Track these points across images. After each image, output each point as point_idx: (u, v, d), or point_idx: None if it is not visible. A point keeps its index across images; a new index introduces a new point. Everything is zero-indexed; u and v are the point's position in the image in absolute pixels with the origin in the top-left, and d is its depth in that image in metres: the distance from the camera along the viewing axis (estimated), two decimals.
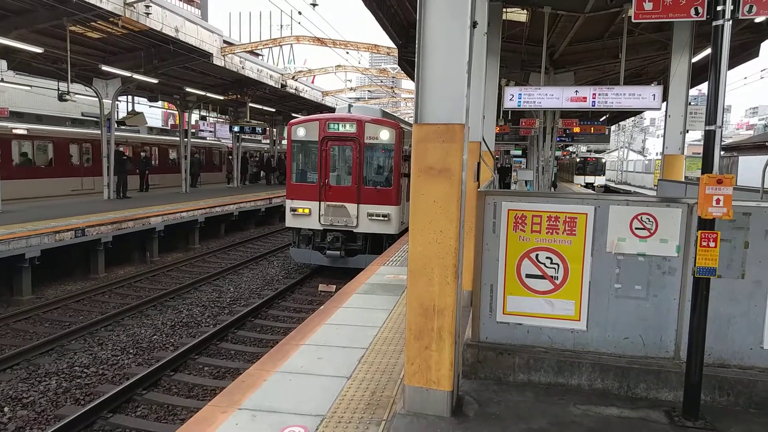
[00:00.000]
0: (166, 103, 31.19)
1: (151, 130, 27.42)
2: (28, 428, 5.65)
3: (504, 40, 10.02)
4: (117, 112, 21.26)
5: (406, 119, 22.61)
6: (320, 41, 18.23)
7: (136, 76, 16.86)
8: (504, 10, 9.23)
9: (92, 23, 13.29)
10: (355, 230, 12.08)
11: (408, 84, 39.90)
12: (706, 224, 3.37)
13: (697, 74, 11.72)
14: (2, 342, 8.13)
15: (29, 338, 8.32)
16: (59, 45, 14.02)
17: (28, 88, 23.42)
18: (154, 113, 35.01)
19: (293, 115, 29.12)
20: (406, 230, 12.13)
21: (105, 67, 16.01)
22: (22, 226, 11.18)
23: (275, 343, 5.73)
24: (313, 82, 31.64)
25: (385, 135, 11.97)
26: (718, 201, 3.29)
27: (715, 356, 3.89)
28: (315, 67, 28.33)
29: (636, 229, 3.94)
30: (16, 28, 12.75)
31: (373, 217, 11.95)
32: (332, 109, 25.10)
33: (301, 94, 26.16)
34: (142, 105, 28.58)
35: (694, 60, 10.25)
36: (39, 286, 10.96)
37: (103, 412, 5.85)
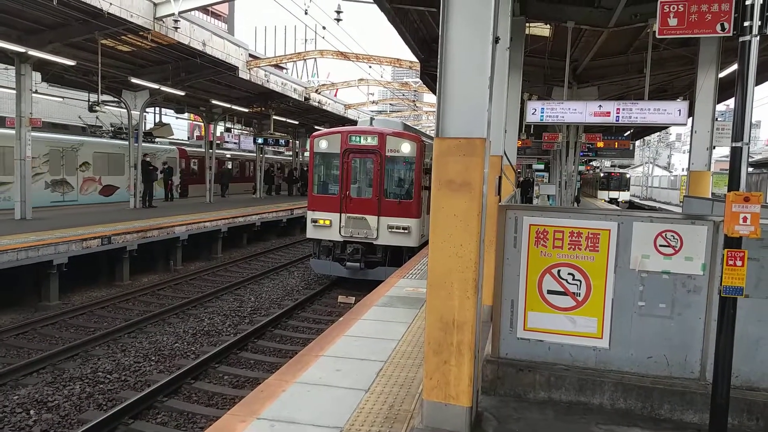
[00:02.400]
0: (192, 115, 31.79)
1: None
2: (52, 431, 5.75)
3: (527, 55, 10.01)
4: (144, 123, 21.78)
5: (428, 132, 22.67)
6: (343, 55, 18.45)
7: (163, 88, 17.28)
8: (527, 24, 9.22)
9: (123, 37, 13.71)
10: (375, 242, 12.10)
11: (430, 97, 40.03)
12: (733, 242, 3.30)
13: (725, 89, 11.51)
14: (29, 346, 8.33)
15: (55, 343, 8.49)
16: (91, 58, 14.48)
17: (61, 99, 24.14)
18: (180, 125, 35.69)
19: (316, 127, 29.43)
20: (427, 243, 12.09)
21: (134, 80, 16.46)
22: (50, 233, 11.47)
23: (294, 354, 5.76)
24: (335, 96, 32.00)
25: (406, 148, 12.01)
26: (745, 219, 3.22)
27: (743, 378, 3.79)
28: (338, 81, 28.63)
29: (660, 246, 3.88)
30: (50, 41, 13.21)
31: (393, 230, 11.96)
32: (354, 122, 25.29)
33: (324, 107, 26.46)
34: (168, 117, 29.19)
35: (721, 75, 10.08)
36: (66, 292, 11.21)
37: (125, 418, 5.93)
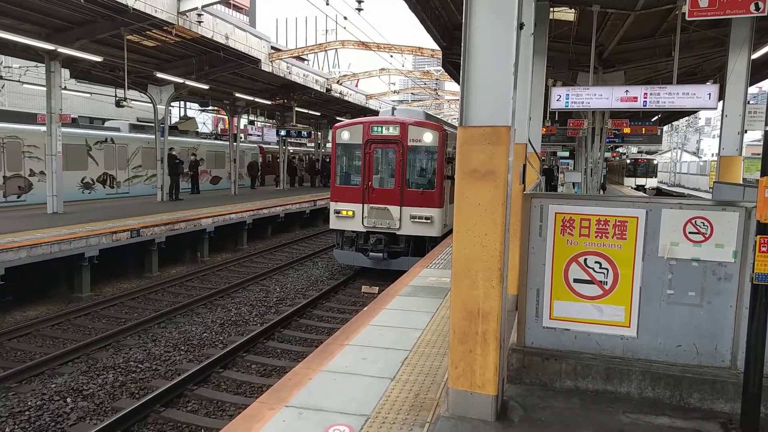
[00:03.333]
0: (216, 109, 32.15)
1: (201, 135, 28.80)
2: (88, 418, 5.94)
3: (551, 40, 9.83)
4: (170, 117, 22.12)
5: (450, 121, 22.50)
6: (365, 45, 18.39)
7: (188, 82, 17.47)
8: (551, 9, 9.07)
9: (147, 32, 13.88)
10: (397, 232, 12.12)
11: (451, 86, 39.71)
12: (766, 229, 3.23)
13: (757, 71, 11.19)
14: (64, 336, 8.59)
15: (88, 333, 8.75)
16: (117, 54, 14.72)
17: (88, 95, 24.64)
18: (204, 118, 36.13)
19: (337, 118, 29.46)
20: (449, 233, 12.06)
21: (159, 74, 16.68)
22: (82, 227, 11.77)
23: (320, 343, 5.83)
24: (357, 86, 31.94)
25: (428, 137, 11.96)
26: None
27: None
28: (359, 71, 28.55)
29: (690, 233, 3.81)
30: (78, 38, 13.46)
31: (415, 220, 11.96)
32: (376, 112, 25.22)
33: (346, 98, 26.45)
34: (193, 110, 29.56)
35: (753, 56, 9.77)
36: (97, 283, 11.51)
37: (156, 406, 6.10)
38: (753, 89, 21.62)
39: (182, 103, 28.80)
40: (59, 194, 14.23)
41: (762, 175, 3.26)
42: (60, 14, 12.45)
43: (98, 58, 13.94)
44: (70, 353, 7.62)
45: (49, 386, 6.64)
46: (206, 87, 18.64)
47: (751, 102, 10.13)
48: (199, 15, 13.43)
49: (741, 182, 9.90)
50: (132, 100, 17.40)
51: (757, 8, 3.40)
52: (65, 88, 17.49)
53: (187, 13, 13.20)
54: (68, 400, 6.31)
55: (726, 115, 9.74)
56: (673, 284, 3.87)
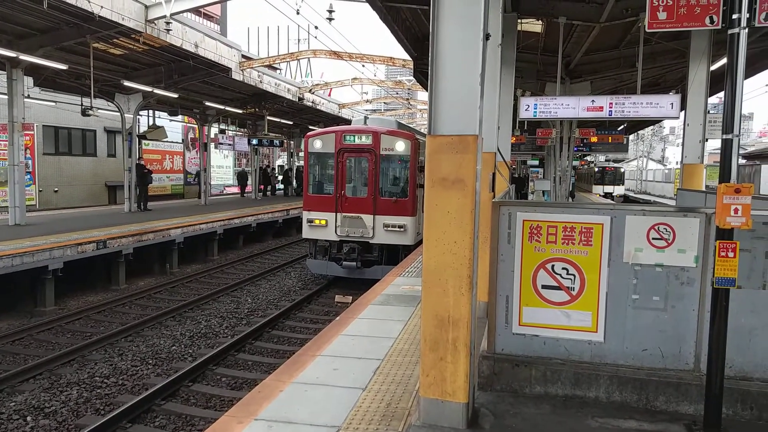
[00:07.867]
0: (186, 117, 31.69)
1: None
2: None
3: (519, 51, 10.02)
4: (138, 126, 21.73)
5: (422, 130, 22.64)
6: (336, 55, 18.42)
7: (156, 91, 17.21)
8: (519, 21, 9.24)
9: (114, 40, 13.64)
10: (371, 241, 12.11)
11: (423, 95, 40.00)
12: (725, 234, 3.33)
13: (717, 82, 11.58)
14: (26, 352, 8.30)
15: (52, 349, 8.47)
16: (83, 61, 14.41)
17: (53, 103, 24.01)
18: (174, 127, 35.53)
19: (310, 127, 29.36)
20: (422, 241, 12.09)
21: (126, 83, 16.39)
22: (45, 239, 11.42)
23: (292, 354, 5.75)
24: (329, 95, 31.94)
25: (400, 146, 12.02)
26: (736, 210, 3.25)
27: (737, 369, 3.81)
28: (331, 80, 28.58)
29: (653, 239, 3.90)
30: (41, 46, 13.14)
31: (389, 228, 11.97)
32: (348, 122, 25.22)
33: (318, 107, 26.40)
34: (162, 119, 29.07)
35: (713, 68, 10.13)
36: (62, 297, 11.17)
37: (123, 422, 5.92)
38: (713, 99, 22.39)
39: (151, 111, 28.27)
40: (21, 205, 13.80)
41: (720, 181, 3.37)
42: (22, 21, 12.13)
43: (63, 66, 13.62)
44: (32, 369, 7.36)
45: (8, 405, 6.39)
46: (175, 95, 18.39)
47: (711, 111, 10.49)
48: (168, 23, 13.27)
49: (703, 189, 10.21)
50: (99, 108, 17.04)
51: (712, 21, 3.52)
52: (29, 97, 17.03)
53: (156, 21, 13.03)
54: (28, 418, 6.08)
55: (688, 124, 10.06)
56: (638, 289, 3.95)
